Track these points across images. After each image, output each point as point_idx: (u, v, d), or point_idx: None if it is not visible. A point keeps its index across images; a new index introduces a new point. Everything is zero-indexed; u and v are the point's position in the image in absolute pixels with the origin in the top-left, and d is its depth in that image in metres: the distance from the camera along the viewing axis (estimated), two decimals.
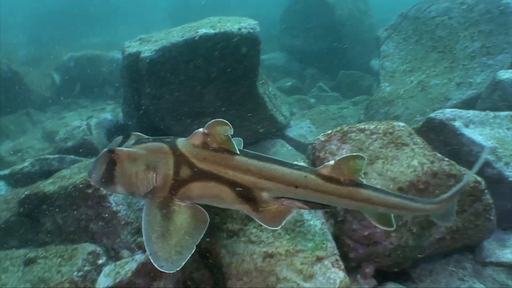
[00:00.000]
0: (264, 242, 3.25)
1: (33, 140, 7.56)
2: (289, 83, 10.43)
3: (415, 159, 3.54)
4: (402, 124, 3.94)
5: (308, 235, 3.37)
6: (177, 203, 2.43)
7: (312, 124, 7.16)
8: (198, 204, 2.50)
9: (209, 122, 2.39)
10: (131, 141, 2.70)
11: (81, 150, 6.44)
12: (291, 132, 7.00)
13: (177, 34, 6.01)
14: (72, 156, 6.04)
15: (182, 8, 23.21)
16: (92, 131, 6.14)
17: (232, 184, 2.41)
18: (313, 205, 2.52)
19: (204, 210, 2.46)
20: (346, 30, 11.91)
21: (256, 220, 2.43)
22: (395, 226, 2.67)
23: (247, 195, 2.42)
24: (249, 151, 2.54)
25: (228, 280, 3.05)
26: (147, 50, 5.90)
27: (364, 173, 3.15)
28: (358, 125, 3.94)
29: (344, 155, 2.46)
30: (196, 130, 2.47)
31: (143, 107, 6.22)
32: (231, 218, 3.48)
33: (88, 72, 10.94)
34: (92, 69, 11.07)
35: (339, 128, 3.93)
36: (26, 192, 4.49)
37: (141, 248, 4.01)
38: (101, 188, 2.98)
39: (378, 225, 2.67)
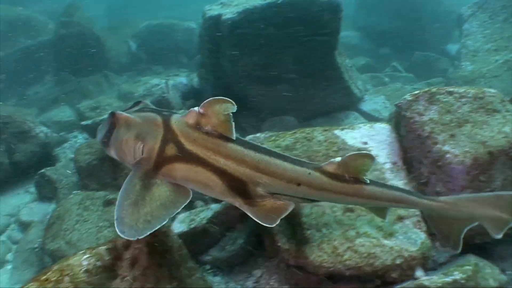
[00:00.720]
0: None
1: (110, 99, 7.85)
2: (363, 62, 10.12)
3: (507, 126, 3.35)
4: (493, 90, 3.73)
5: None
6: (161, 177, 2.25)
7: (387, 100, 6.90)
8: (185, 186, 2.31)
9: (206, 101, 2.15)
10: (136, 107, 2.65)
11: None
12: (365, 107, 6.80)
13: None
14: None
15: None
16: (169, 90, 6.28)
17: (222, 173, 2.18)
18: (314, 202, 2.39)
19: (190, 190, 2.27)
20: (425, 10, 11.36)
21: (248, 214, 2.20)
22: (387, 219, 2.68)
23: (240, 187, 2.21)
24: (247, 140, 2.35)
25: (306, 230, 3.01)
26: (229, 12, 5.93)
27: (451, 135, 3.24)
28: (446, 87, 3.78)
29: (353, 153, 2.28)
30: (192, 108, 2.25)
31: (220, 70, 6.28)
32: None
33: (163, 40, 11.22)
34: (167, 37, 11.36)
35: (426, 89, 3.78)
36: None
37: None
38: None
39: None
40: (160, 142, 2.24)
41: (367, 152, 2.27)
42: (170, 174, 2.24)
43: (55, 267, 2.23)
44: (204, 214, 3.78)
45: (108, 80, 9.79)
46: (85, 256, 2.28)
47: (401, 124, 3.69)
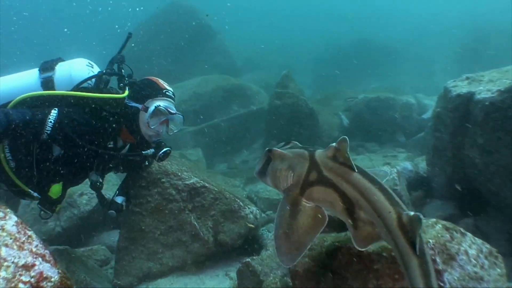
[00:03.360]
0: None
1: None
2: None
3: None
4: None
5: None
6: (304, 202, 2.61)
7: None
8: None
9: (339, 138, 2.49)
10: (288, 145, 3.01)
11: None
12: None
13: None
14: None
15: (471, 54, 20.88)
16: (401, 182, 5.25)
17: (342, 194, 2.47)
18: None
19: (326, 213, 2.55)
20: None
21: (351, 234, 2.41)
22: None
23: (350, 208, 2.45)
24: (367, 172, 2.50)
25: None
26: (484, 90, 4.68)
27: None
28: None
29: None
30: (331, 144, 2.58)
31: (463, 160, 4.99)
32: None
33: (378, 115, 10.39)
34: (384, 112, 10.47)
35: None
36: None
37: None
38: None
39: None
40: (306, 170, 2.64)
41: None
42: (310, 196, 2.61)
43: None
44: None
45: None
46: None
47: None
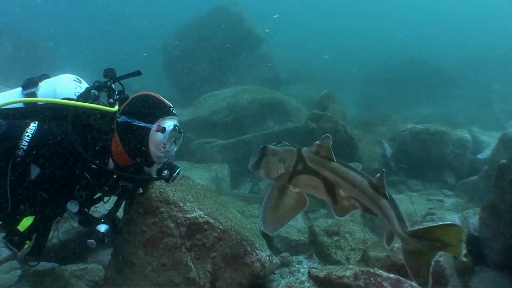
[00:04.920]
0: None
1: (354, 225, 6.29)
2: None
3: None
4: None
5: None
6: (291, 188, 3.31)
7: None
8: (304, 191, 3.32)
9: (322, 137, 3.24)
10: (280, 144, 3.64)
11: None
12: None
13: None
14: None
15: None
16: None
17: (324, 179, 3.18)
18: (364, 208, 3.09)
19: (307, 197, 3.28)
20: None
21: (332, 209, 3.21)
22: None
23: (331, 189, 3.16)
24: (343, 162, 3.21)
25: None
26: None
27: None
28: None
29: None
30: (314, 142, 3.30)
31: None
32: None
33: (427, 150, 9.25)
34: (433, 147, 9.31)
35: None
36: None
37: None
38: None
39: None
40: (294, 162, 3.34)
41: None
42: (297, 183, 3.32)
43: None
44: None
45: None
46: None
47: None
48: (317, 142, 3.26)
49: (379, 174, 2.93)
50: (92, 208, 4.17)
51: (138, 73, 3.92)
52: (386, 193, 2.90)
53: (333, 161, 3.15)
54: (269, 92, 12.33)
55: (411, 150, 9.28)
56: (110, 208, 4.22)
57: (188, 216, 4.29)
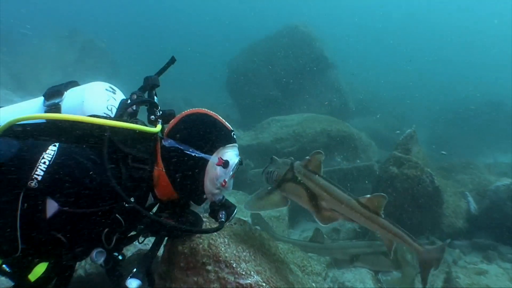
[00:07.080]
0: None
1: None
2: None
3: None
4: None
5: None
6: (278, 191, 3.89)
7: None
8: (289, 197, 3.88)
9: (313, 152, 3.84)
10: (283, 159, 4.24)
11: None
12: None
13: None
14: None
15: None
16: None
17: (307, 189, 3.72)
18: (351, 220, 3.68)
19: (288, 200, 3.87)
20: None
21: (314, 217, 3.68)
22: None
23: (314, 200, 3.67)
24: (326, 177, 3.80)
25: None
26: None
27: None
28: None
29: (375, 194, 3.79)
30: (305, 157, 3.88)
31: None
32: None
33: None
34: None
35: None
36: None
37: None
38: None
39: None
40: (285, 172, 3.90)
41: (382, 195, 3.76)
42: (284, 188, 3.87)
43: None
44: None
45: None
46: None
47: None
48: (308, 157, 3.93)
49: (368, 195, 3.73)
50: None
51: (172, 60, 3.17)
52: (382, 215, 3.72)
53: (319, 175, 3.83)
54: (338, 123, 11.19)
55: (507, 210, 7.79)
56: (144, 253, 3.40)
57: (241, 282, 3.26)
